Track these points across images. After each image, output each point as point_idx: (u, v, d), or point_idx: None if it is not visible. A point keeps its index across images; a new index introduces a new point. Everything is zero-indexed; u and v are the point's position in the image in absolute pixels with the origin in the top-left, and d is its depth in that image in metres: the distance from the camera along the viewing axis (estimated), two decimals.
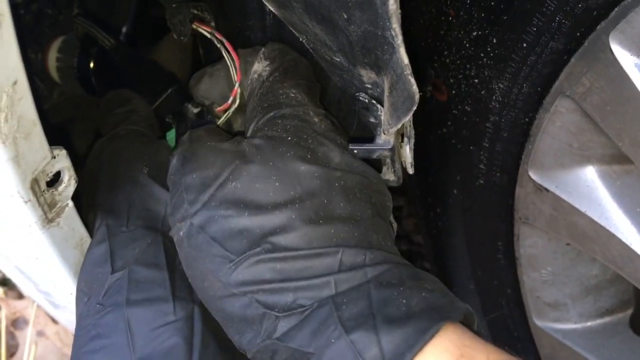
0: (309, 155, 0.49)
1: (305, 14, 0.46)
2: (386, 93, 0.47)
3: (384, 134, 0.50)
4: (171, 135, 0.69)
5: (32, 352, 1.07)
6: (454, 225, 0.78)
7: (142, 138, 0.64)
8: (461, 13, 0.61)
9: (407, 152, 0.52)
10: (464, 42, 0.62)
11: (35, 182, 0.42)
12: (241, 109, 0.62)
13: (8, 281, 1.16)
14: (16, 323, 1.11)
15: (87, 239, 0.52)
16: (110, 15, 1.00)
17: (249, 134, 0.55)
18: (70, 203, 0.47)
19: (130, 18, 1.03)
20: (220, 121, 0.62)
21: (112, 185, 0.57)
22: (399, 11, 0.35)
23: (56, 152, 0.44)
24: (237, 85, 0.59)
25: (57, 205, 0.46)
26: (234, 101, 0.61)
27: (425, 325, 0.40)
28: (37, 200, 0.43)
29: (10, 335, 1.11)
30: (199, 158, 0.50)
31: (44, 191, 0.44)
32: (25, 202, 0.43)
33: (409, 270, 0.46)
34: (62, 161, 0.45)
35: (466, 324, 0.44)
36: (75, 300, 0.52)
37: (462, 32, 0.61)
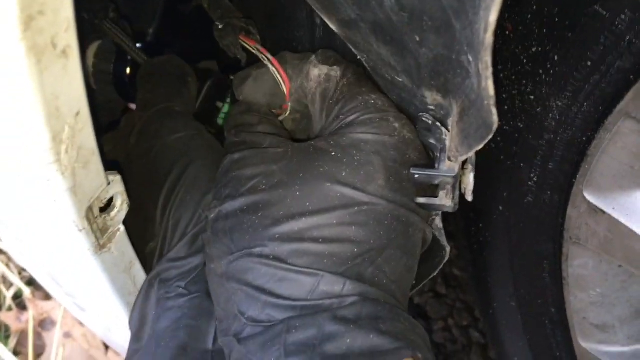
0: (345, 173, 0.49)
1: (372, 35, 0.43)
2: (455, 118, 0.45)
3: (449, 160, 0.47)
4: (227, 109, 0.74)
5: (60, 353, 1.07)
6: (497, 241, 0.76)
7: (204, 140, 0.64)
8: (520, 28, 0.58)
9: (470, 180, 0.49)
10: (522, 57, 0.59)
11: (89, 210, 0.41)
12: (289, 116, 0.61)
13: (35, 281, 1.16)
14: (43, 324, 1.11)
15: (135, 262, 0.50)
16: (138, 15, 0.98)
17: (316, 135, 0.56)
18: (122, 228, 0.46)
19: (158, 16, 1.01)
20: None
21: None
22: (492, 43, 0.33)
23: (111, 177, 0.42)
24: (288, 103, 0.58)
25: (109, 231, 0.44)
26: (283, 113, 0.60)
27: None
28: (91, 227, 0.42)
29: (38, 336, 1.10)
30: (246, 158, 0.53)
31: (97, 217, 0.42)
32: (80, 231, 0.41)
33: (374, 308, 0.45)
34: (116, 187, 0.43)
35: None
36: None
37: (519, 48, 0.58)
